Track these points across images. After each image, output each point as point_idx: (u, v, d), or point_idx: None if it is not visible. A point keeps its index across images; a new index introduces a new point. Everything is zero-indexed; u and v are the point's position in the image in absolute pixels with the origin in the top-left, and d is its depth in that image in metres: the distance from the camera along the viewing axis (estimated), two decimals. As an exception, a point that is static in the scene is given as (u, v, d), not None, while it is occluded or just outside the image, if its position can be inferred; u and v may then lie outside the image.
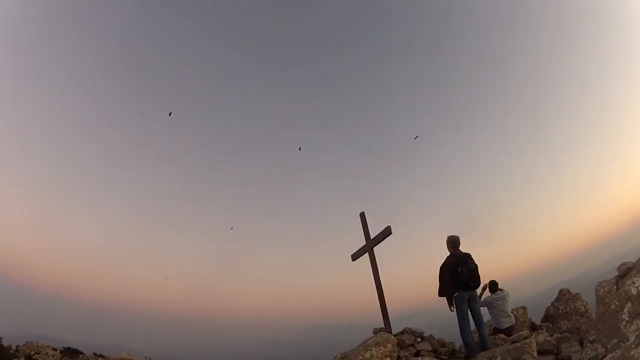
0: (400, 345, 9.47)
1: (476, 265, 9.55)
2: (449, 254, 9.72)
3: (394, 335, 9.74)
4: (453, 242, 9.73)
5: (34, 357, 24.95)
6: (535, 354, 7.34)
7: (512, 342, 8.01)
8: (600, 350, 5.97)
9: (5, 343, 25.23)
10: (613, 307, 6.16)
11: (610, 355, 5.23)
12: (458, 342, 10.46)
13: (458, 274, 9.27)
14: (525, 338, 7.88)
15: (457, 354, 9.98)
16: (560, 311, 12.99)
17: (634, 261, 6.55)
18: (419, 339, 10.08)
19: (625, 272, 6.67)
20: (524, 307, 13.05)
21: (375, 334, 9.98)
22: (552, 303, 13.64)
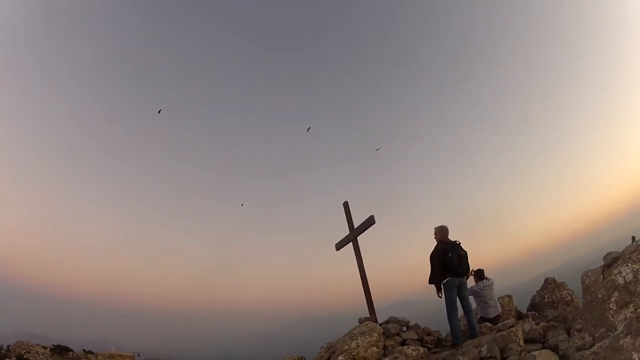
0: (386, 335, 9.49)
1: (466, 253, 9.59)
2: (436, 243, 9.70)
3: (380, 325, 9.74)
4: (442, 231, 9.73)
5: (25, 355, 24.90)
6: (521, 342, 7.35)
7: (499, 331, 8.00)
8: (588, 339, 5.95)
9: (-3, 343, 25.18)
10: (600, 296, 6.14)
11: (598, 344, 5.20)
12: (444, 331, 10.49)
13: (449, 259, 9.24)
14: (512, 327, 7.88)
15: (443, 343, 9.98)
16: (546, 300, 13.09)
17: (620, 251, 6.56)
18: (404, 328, 10.07)
19: (612, 261, 6.68)
20: (509, 296, 13.04)
21: (361, 323, 9.94)
22: (538, 292, 13.73)
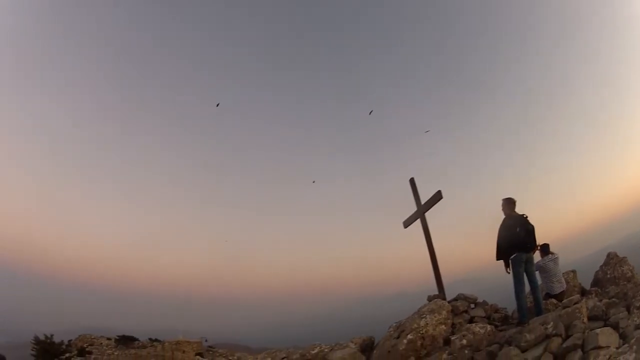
0: (454, 312, 9.65)
1: (533, 227, 9.41)
2: (503, 217, 9.54)
3: (448, 302, 9.93)
4: (509, 204, 9.53)
5: (87, 348, 25.22)
6: (585, 319, 7.24)
7: (564, 307, 7.91)
8: (646, 317, 6.11)
9: (57, 339, 26.20)
10: (658, 271, 6.27)
11: (655, 324, 5.11)
12: (511, 308, 10.43)
13: (516, 234, 9.09)
14: (576, 303, 7.77)
15: (510, 320, 9.95)
16: (608, 275, 12.76)
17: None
18: (472, 305, 10.21)
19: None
20: (574, 271, 12.57)
21: (430, 301, 10.18)
22: (601, 267, 13.36)
